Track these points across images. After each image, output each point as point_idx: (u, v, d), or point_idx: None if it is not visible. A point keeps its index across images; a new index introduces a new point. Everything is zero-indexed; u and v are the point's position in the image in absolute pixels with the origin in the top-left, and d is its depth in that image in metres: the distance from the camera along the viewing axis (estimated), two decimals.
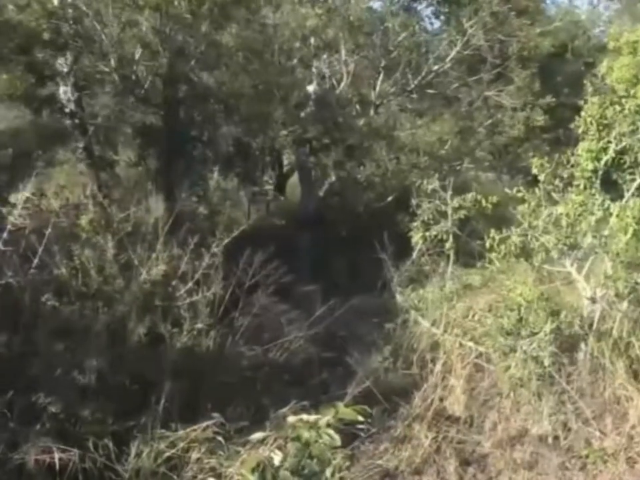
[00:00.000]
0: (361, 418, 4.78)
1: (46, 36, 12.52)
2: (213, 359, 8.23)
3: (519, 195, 9.89)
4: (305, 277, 12.25)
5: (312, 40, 15.34)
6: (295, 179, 17.91)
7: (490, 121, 18.44)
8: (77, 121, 14.17)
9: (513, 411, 9.04)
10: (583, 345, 9.37)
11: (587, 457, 8.41)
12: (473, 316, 10.24)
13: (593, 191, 9.52)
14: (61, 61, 13.63)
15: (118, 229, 8.64)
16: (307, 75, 15.99)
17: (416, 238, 11.16)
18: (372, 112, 16.51)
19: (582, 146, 9.64)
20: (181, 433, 7.01)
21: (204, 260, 8.48)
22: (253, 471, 4.69)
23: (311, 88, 15.46)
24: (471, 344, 9.78)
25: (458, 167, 16.89)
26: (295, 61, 16.01)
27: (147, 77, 13.57)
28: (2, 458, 6.22)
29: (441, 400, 9.17)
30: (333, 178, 16.06)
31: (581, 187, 9.58)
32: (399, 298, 11.12)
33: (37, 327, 7.28)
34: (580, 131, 9.75)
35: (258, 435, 5.39)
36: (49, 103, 14.43)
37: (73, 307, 7.73)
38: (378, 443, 8.30)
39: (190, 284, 8.38)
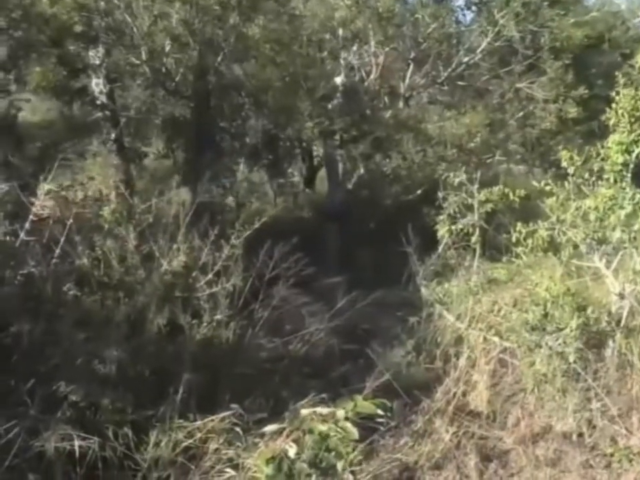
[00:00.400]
0: (379, 411, 4.75)
1: (78, 29, 12.73)
2: (232, 351, 8.22)
3: (547, 188, 9.73)
4: (329, 269, 12.22)
5: (340, 31, 15.29)
6: (324, 171, 17.87)
7: (521, 113, 18.07)
8: (108, 113, 14.35)
9: (536, 407, 8.88)
10: (610, 342, 9.16)
11: (612, 455, 8.18)
12: (498, 311, 10.08)
13: (624, 184, 9.27)
14: (92, 53, 13.82)
15: (140, 220, 8.71)
16: (336, 67, 15.92)
17: (442, 231, 11.08)
18: (401, 104, 16.37)
19: (612, 138, 9.41)
20: (199, 423, 7.03)
21: (224, 251, 8.49)
22: (267, 462, 4.71)
23: (338, 80, 15.38)
24: (495, 339, 9.63)
25: (489, 160, 16.70)
26: (325, 53, 15.97)
27: (177, 69, 13.69)
28: (23, 445, 6.28)
29: (464, 395, 9.04)
30: (362, 170, 15.99)
31: (611, 180, 9.34)
32: (423, 291, 11.00)
33: (59, 316, 7.36)
34: (611, 123, 9.54)
35: (272, 427, 5.42)
36: (81, 95, 14.67)
37: (94, 297, 7.81)
38: (398, 436, 8.20)
39: (210, 275, 8.40)
